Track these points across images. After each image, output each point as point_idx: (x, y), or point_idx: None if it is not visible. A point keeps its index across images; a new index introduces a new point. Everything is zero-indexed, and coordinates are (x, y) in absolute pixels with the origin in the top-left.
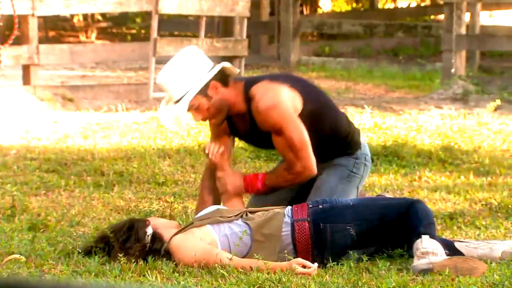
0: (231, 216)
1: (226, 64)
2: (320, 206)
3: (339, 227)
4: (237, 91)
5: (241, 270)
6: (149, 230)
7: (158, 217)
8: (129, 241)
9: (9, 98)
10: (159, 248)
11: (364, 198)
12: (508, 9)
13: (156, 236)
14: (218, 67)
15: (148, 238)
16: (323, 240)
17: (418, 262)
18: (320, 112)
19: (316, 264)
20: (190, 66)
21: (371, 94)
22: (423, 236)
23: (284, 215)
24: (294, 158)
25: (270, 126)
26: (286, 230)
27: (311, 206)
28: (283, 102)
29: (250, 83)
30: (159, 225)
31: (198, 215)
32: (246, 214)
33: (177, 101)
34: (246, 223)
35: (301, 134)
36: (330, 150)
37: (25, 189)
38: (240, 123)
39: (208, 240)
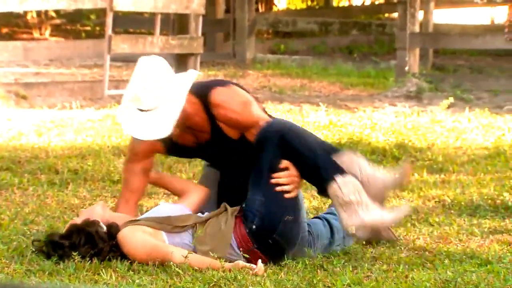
0: (181, 226)
1: (200, 74)
2: (254, 227)
3: (281, 227)
4: (192, 101)
5: (196, 268)
6: (104, 227)
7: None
8: (97, 246)
9: None
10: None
11: (257, 184)
12: (461, 7)
13: (112, 227)
14: (193, 75)
15: (106, 236)
16: (281, 248)
17: (351, 222)
18: None
19: (260, 265)
20: (165, 72)
21: (326, 91)
22: (336, 179)
23: (230, 246)
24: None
25: (246, 123)
26: (236, 255)
27: (248, 231)
28: (250, 99)
29: (200, 92)
30: (108, 216)
31: (146, 215)
32: (196, 227)
33: (156, 108)
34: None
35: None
36: None
37: None
38: (189, 137)
39: (159, 239)
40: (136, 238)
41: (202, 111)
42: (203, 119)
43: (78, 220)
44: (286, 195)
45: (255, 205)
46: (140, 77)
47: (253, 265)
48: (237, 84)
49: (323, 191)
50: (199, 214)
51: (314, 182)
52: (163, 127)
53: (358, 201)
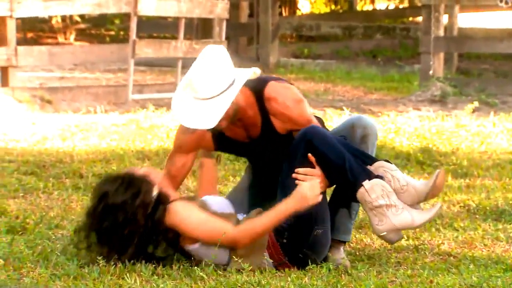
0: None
1: (257, 70)
2: (285, 241)
3: (312, 241)
4: (246, 94)
5: (220, 272)
6: (154, 194)
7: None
8: (133, 211)
9: None
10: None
11: (286, 195)
12: (486, 11)
13: (163, 195)
14: (251, 70)
15: (153, 200)
16: (311, 260)
17: (382, 226)
18: None
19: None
20: (226, 64)
21: (349, 96)
22: (363, 184)
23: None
24: None
25: (297, 120)
26: (266, 264)
27: (279, 243)
28: (303, 98)
29: (254, 85)
30: (165, 184)
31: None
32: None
33: (208, 98)
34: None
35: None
36: None
37: (3, 191)
38: (240, 131)
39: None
40: (189, 212)
41: (255, 104)
42: (255, 113)
43: (138, 171)
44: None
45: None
46: (200, 66)
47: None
48: (290, 83)
49: (352, 196)
50: (238, 215)
51: (343, 187)
52: (209, 118)
53: (387, 204)
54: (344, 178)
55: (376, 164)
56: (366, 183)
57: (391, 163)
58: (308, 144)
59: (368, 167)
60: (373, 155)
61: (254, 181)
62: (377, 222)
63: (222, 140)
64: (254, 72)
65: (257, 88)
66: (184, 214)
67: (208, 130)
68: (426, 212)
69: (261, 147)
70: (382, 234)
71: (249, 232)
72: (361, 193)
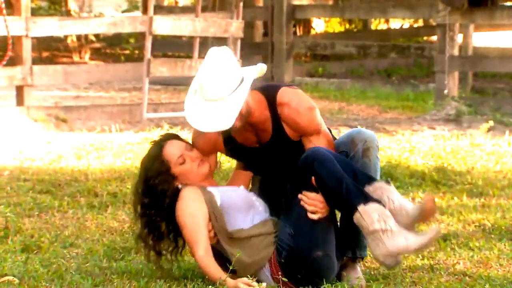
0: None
1: (264, 66)
2: (283, 261)
3: (310, 263)
4: (258, 97)
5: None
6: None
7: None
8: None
9: (2, 119)
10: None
11: (287, 215)
12: (501, 30)
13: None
14: (259, 66)
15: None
16: (313, 283)
17: (378, 251)
18: None
19: (264, 284)
20: (232, 63)
21: (364, 114)
22: (358, 208)
23: (262, 272)
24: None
25: (308, 127)
26: (267, 280)
27: (278, 262)
28: (315, 106)
29: (267, 90)
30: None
31: (222, 187)
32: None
33: (220, 99)
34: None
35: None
36: None
37: (18, 210)
38: (251, 135)
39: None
40: (188, 204)
41: (267, 109)
42: (266, 118)
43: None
44: (310, 216)
45: (285, 238)
46: (207, 68)
47: (255, 284)
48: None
49: (351, 220)
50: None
51: (341, 211)
52: (225, 118)
53: (383, 229)
54: (341, 203)
55: (376, 184)
56: (361, 207)
57: (390, 184)
58: (309, 168)
59: (367, 188)
60: (377, 167)
61: (261, 190)
62: (373, 247)
63: (232, 144)
64: (261, 68)
65: (269, 93)
66: (182, 205)
67: (221, 133)
68: (422, 236)
69: (271, 152)
70: (379, 259)
71: (204, 267)
72: (356, 217)
